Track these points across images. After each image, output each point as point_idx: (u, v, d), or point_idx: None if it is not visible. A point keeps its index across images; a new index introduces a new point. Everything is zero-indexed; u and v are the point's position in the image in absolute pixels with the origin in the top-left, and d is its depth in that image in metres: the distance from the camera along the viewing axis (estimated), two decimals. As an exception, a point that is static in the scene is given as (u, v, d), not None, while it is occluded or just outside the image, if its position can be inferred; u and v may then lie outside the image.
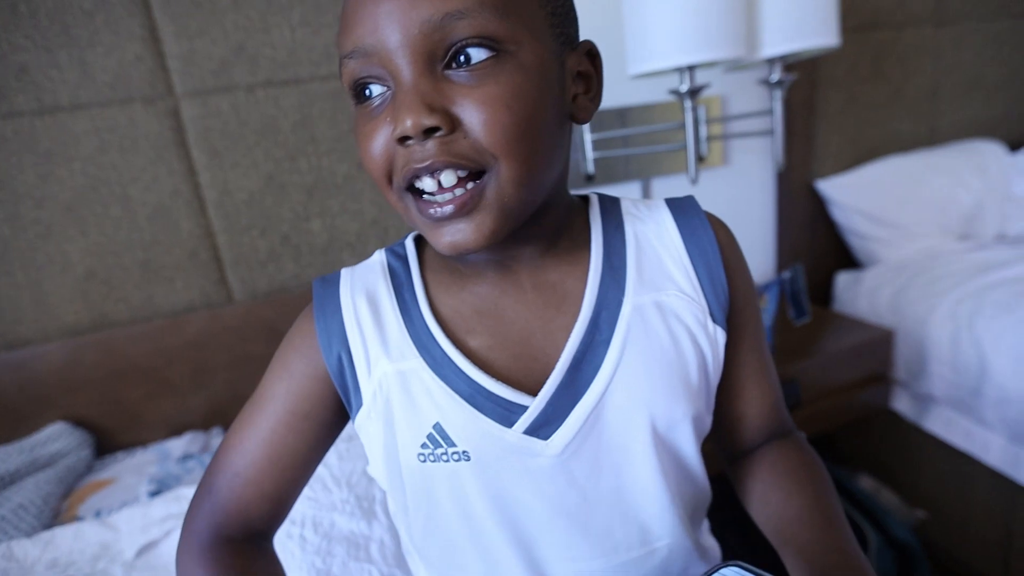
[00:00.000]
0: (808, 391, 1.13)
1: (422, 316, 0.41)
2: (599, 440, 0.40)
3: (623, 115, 1.24)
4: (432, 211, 0.35)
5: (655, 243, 0.44)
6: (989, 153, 1.55)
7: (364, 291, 0.43)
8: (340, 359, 0.41)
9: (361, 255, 0.44)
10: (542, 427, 0.39)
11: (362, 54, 0.34)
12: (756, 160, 1.43)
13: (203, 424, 1.08)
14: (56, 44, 0.90)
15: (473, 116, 0.33)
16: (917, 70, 1.54)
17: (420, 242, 0.46)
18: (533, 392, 0.39)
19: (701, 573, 0.48)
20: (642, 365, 0.40)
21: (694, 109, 0.97)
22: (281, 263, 1.08)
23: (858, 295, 1.41)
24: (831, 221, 1.53)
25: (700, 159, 1.32)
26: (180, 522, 0.68)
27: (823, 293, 1.56)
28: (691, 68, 0.92)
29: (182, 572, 0.42)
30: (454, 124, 0.33)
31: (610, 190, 1.32)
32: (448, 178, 0.33)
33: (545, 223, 0.41)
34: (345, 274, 0.45)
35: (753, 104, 1.33)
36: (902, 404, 1.30)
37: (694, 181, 1.01)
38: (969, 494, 1.20)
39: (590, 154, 1.20)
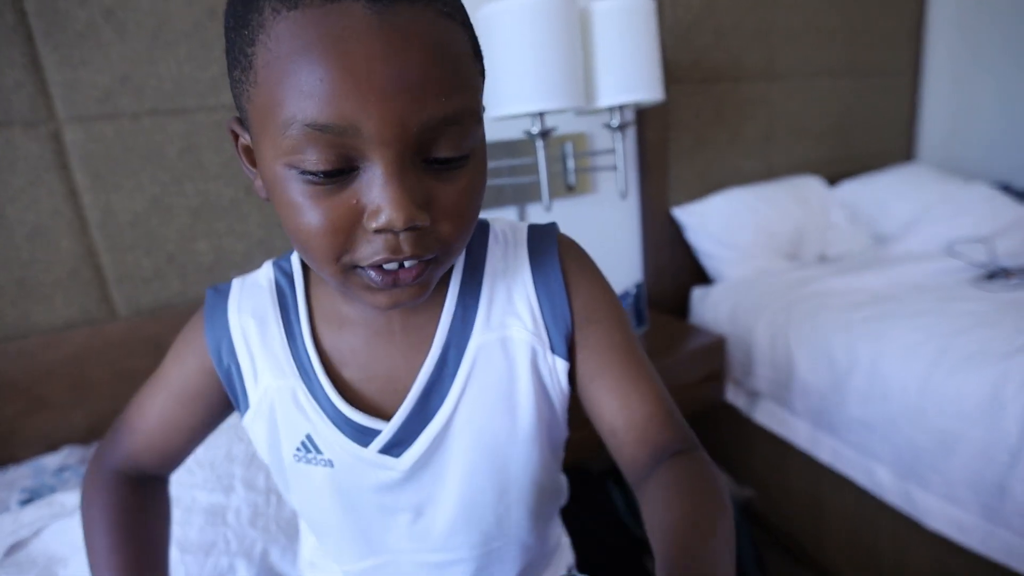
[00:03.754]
0: (655, 390, 1.31)
1: (305, 346, 0.46)
2: (444, 458, 0.47)
3: (504, 148, 1.40)
4: (386, 281, 0.37)
5: (508, 281, 0.48)
6: (811, 187, 1.85)
7: (251, 312, 0.48)
8: (229, 368, 0.48)
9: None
10: (394, 447, 0.46)
11: (339, 132, 0.32)
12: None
13: (83, 439, 1.10)
14: (-71, 68, 0.92)
15: (443, 214, 0.36)
16: (753, 116, 1.82)
17: (304, 266, 0.50)
18: (391, 418, 0.46)
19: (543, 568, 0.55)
20: (482, 394, 0.46)
21: (546, 148, 1.13)
22: (167, 281, 1.13)
23: (706, 307, 1.64)
24: (687, 243, 1.76)
25: (569, 188, 1.51)
26: (50, 521, 0.73)
27: (683, 306, 1.79)
28: (541, 114, 1.09)
29: (85, 496, 0.51)
30: (429, 217, 0.35)
31: (486, 216, 1.47)
32: (411, 263, 0.36)
33: None
34: (235, 289, 0.49)
35: (611, 143, 1.53)
36: (738, 399, 1.53)
37: (547, 209, 1.17)
38: (787, 473, 1.43)
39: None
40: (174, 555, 0.63)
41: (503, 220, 0.53)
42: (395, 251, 0.35)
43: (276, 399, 0.47)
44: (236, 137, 0.41)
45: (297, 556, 0.63)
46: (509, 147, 1.41)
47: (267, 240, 1.19)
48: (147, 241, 1.10)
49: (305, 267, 0.50)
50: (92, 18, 1.00)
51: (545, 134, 1.11)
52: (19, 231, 1.01)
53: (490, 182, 1.34)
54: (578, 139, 1.50)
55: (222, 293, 0.50)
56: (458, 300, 0.47)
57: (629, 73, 1.12)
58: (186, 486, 0.68)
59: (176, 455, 0.53)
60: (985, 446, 1.00)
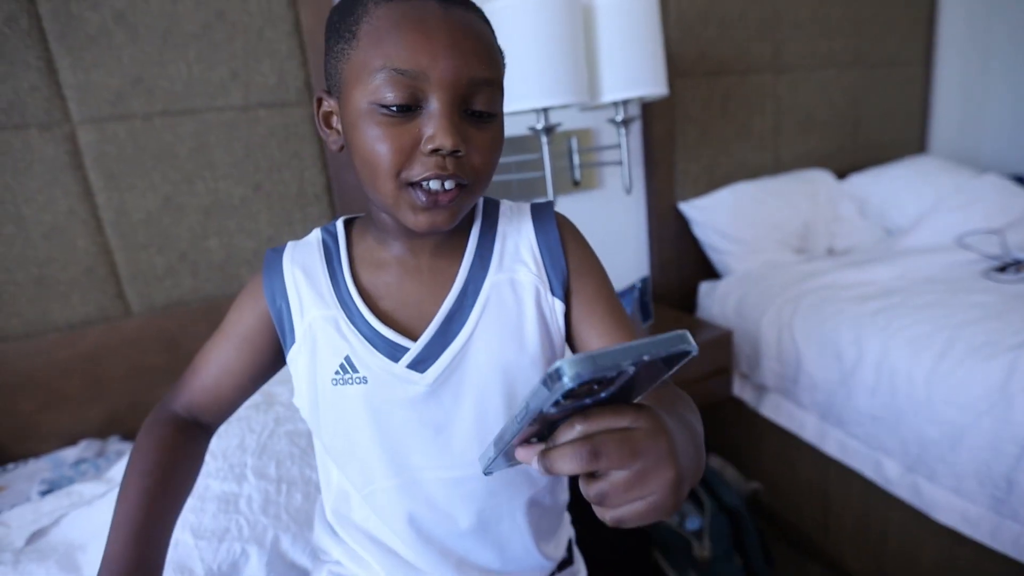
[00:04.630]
0: (661, 384, 1.31)
1: (345, 282, 0.56)
2: (462, 377, 0.55)
3: (509, 144, 1.41)
4: (429, 200, 0.48)
5: (516, 236, 0.59)
6: (820, 181, 1.84)
7: (302, 261, 0.58)
8: (280, 309, 0.57)
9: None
10: (420, 363, 0.54)
11: (413, 76, 0.46)
12: (626, 185, 1.64)
13: (100, 434, 1.12)
14: (-52, 72, 0.95)
15: (475, 150, 0.49)
16: (760, 109, 1.81)
17: (347, 227, 0.61)
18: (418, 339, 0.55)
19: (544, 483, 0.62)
20: (495, 324, 0.55)
21: (550, 143, 1.14)
22: (179, 278, 1.16)
23: (713, 302, 1.64)
24: (694, 238, 1.76)
25: (575, 184, 1.51)
26: (69, 510, 0.76)
27: (690, 300, 1.79)
28: (545, 110, 1.09)
29: (146, 427, 0.60)
30: (465, 151, 0.48)
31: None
32: (450, 184, 0.48)
33: None
34: (289, 247, 0.60)
35: (616, 137, 1.53)
36: (745, 393, 1.53)
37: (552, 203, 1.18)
38: (794, 467, 1.43)
39: (474, 179, 1.35)
40: (188, 540, 0.66)
41: (508, 201, 0.65)
42: (442, 168, 0.47)
43: (319, 328, 0.55)
44: (319, 106, 0.54)
45: (318, 517, 0.67)
46: (514, 143, 1.41)
47: (276, 237, 1.21)
48: (160, 239, 1.13)
49: (347, 226, 0.61)
50: (104, 21, 1.03)
51: (549, 130, 1.12)
52: (36, 231, 1.04)
53: (496, 178, 1.35)
54: (583, 134, 1.50)
55: (278, 251, 0.60)
56: (476, 249, 0.58)
57: (633, 68, 1.12)
58: (200, 475, 0.70)
59: (224, 401, 0.62)
60: (993, 438, 1.00)
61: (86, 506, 0.75)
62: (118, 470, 0.89)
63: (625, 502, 0.33)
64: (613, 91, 1.13)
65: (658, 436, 0.33)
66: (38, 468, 1.02)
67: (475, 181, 0.50)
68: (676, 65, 1.58)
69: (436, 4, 0.47)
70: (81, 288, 1.09)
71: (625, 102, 1.19)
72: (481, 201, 0.61)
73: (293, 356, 0.57)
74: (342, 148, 0.54)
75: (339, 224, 0.61)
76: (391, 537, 0.61)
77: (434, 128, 0.46)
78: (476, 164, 0.50)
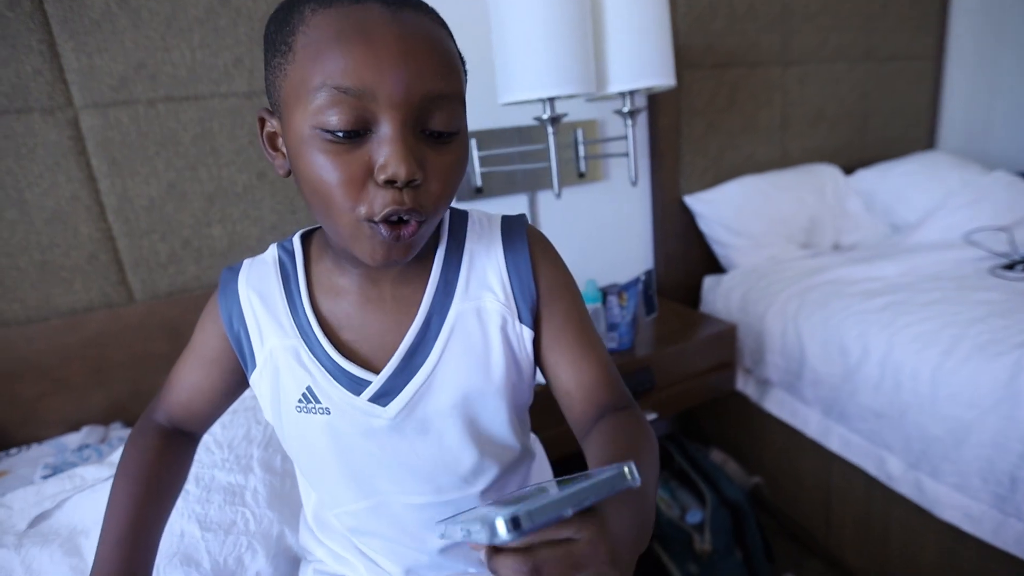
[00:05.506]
0: (665, 376, 1.31)
1: (304, 311, 0.53)
2: (425, 410, 0.53)
3: (517, 134, 1.40)
4: (391, 236, 0.43)
5: (483, 258, 0.56)
6: (827, 175, 1.83)
7: (257, 284, 0.55)
8: (239, 332, 0.55)
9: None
10: (382, 397, 0.52)
11: (358, 94, 0.40)
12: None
13: (103, 419, 1.12)
14: (-49, 55, 0.94)
15: (434, 177, 0.44)
16: (768, 103, 1.79)
17: (304, 241, 0.58)
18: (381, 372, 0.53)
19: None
20: (459, 354, 0.53)
21: (556, 134, 1.13)
22: (182, 265, 1.15)
23: (717, 296, 1.63)
24: (699, 232, 1.75)
25: (580, 175, 1.50)
26: (72, 494, 0.76)
27: (694, 295, 1.78)
28: (551, 99, 1.08)
29: (131, 437, 0.60)
30: (422, 178, 0.43)
31: (498, 202, 1.46)
32: (408, 217, 0.43)
33: None
34: (244, 267, 0.57)
35: (622, 129, 1.52)
36: (748, 388, 1.52)
37: (558, 196, 1.17)
38: (796, 462, 1.43)
39: (478, 169, 1.35)
40: (195, 532, 0.65)
41: (479, 211, 0.60)
42: (399, 202, 0.42)
43: (280, 357, 0.53)
44: (262, 126, 0.49)
45: (301, 519, 0.67)
46: (520, 134, 1.40)
47: (280, 225, 1.20)
48: (163, 226, 1.12)
49: (304, 245, 0.57)
50: (107, 5, 1.02)
51: (555, 120, 1.11)
52: (39, 216, 1.04)
53: (500, 168, 1.34)
54: (588, 126, 1.49)
55: (234, 271, 0.57)
56: (441, 274, 0.54)
57: (640, 58, 1.11)
58: (206, 465, 0.70)
59: (201, 416, 0.61)
60: (998, 435, 0.99)
61: (89, 490, 0.75)
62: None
63: None
64: (620, 81, 1.12)
65: (598, 545, 0.34)
66: (41, 453, 1.02)
67: (434, 211, 0.45)
68: (684, 57, 1.57)
69: (381, 8, 0.40)
70: (84, 274, 1.09)
71: (632, 93, 1.17)
72: (448, 214, 0.58)
73: (255, 380, 0.55)
74: (288, 173, 0.48)
75: (296, 241, 0.57)
76: (367, 548, 0.61)
77: (386, 156, 0.41)
78: (435, 192, 0.44)
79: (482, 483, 0.58)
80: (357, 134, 0.41)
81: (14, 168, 1.01)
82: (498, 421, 0.57)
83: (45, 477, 0.87)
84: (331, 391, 0.52)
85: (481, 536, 0.30)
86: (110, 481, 0.75)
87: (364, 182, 0.42)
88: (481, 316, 0.54)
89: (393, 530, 0.59)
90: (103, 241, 1.09)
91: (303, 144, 0.42)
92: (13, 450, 1.05)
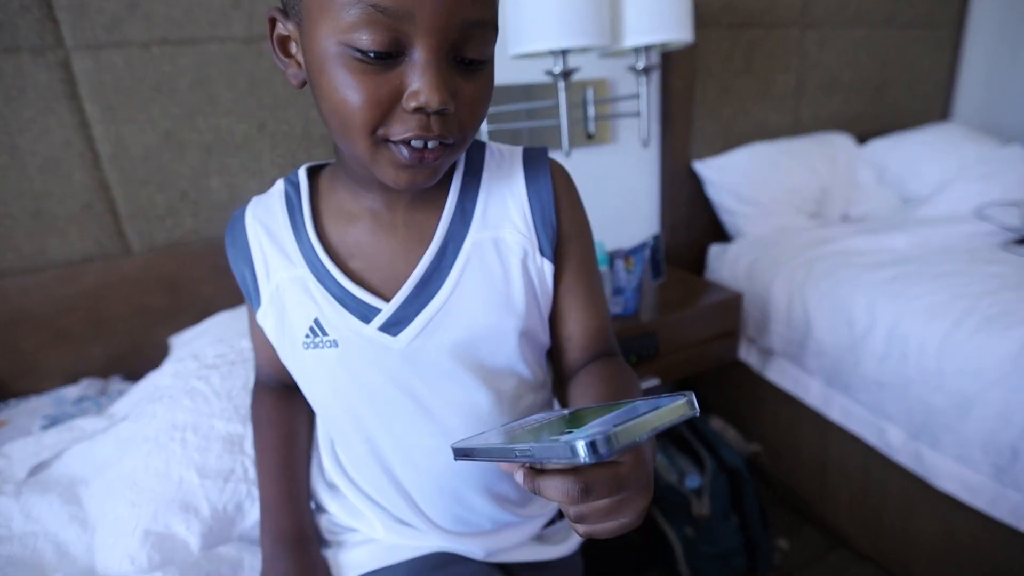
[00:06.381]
0: (668, 343, 1.30)
1: (309, 238, 0.52)
2: (439, 342, 0.51)
3: (524, 91, 1.35)
4: (413, 158, 0.42)
5: (503, 188, 0.53)
6: (840, 144, 1.79)
7: (263, 217, 0.54)
8: (243, 272, 0.54)
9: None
10: (393, 326, 0.50)
11: (396, 16, 0.37)
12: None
13: (101, 372, 1.11)
14: (-67, -13, 0.89)
15: (464, 105, 0.42)
16: (784, 67, 1.73)
17: (314, 176, 0.57)
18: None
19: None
20: (476, 287, 0.51)
21: (567, 89, 1.09)
22: (180, 218, 1.12)
23: (724, 264, 1.61)
24: (706, 199, 1.71)
25: (589, 136, 1.46)
26: (71, 445, 0.75)
27: (699, 262, 1.76)
28: (564, 52, 1.04)
29: (251, 408, 0.66)
30: (453, 107, 0.41)
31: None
32: (433, 143, 0.42)
33: None
34: (252, 204, 0.57)
35: (634, 88, 1.47)
36: (751, 357, 1.52)
37: (567, 155, 1.14)
38: (795, 431, 1.44)
39: (485, 126, 1.30)
40: (193, 479, 0.65)
41: (497, 143, 0.58)
42: (426, 129, 0.41)
43: (287, 289, 0.52)
44: (272, 27, 0.45)
45: (314, 470, 0.67)
46: (528, 90, 1.36)
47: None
48: (160, 177, 1.09)
49: (311, 175, 0.55)
50: (98, -62, 0.96)
51: (567, 74, 1.06)
52: (32, 162, 1.00)
53: (508, 125, 1.30)
54: (599, 85, 1.44)
55: (242, 209, 0.57)
56: (458, 201, 0.52)
57: (658, 11, 1.06)
58: (204, 415, 0.69)
59: (280, 366, 0.59)
60: (1003, 408, 0.99)
61: (88, 440, 0.74)
62: (120, 407, 0.88)
63: (601, 523, 0.35)
64: (636, 35, 1.07)
65: (641, 469, 0.34)
66: (40, 404, 1.01)
67: (462, 139, 0.44)
68: (699, 15, 1.50)
69: None
70: (79, 224, 1.06)
71: (647, 48, 1.13)
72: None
73: (262, 318, 0.54)
74: (303, 84, 0.46)
75: (301, 173, 0.56)
76: (380, 495, 0.60)
77: (420, 82, 0.39)
78: (465, 120, 0.43)
79: (491, 426, 0.55)
80: (389, 56, 0.39)
81: (4, 111, 0.97)
82: (516, 361, 0.55)
83: (44, 428, 0.86)
84: (338, 321, 0.50)
85: (549, 454, 0.29)
86: (109, 433, 0.75)
87: (391, 106, 0.41)
88: (500, 247, 0.52)
89: (409, 472, 0.57)
90: (98, 190, 1.06)
91: (327, 60, 0.40)
92: (12, 401, 1.04)
